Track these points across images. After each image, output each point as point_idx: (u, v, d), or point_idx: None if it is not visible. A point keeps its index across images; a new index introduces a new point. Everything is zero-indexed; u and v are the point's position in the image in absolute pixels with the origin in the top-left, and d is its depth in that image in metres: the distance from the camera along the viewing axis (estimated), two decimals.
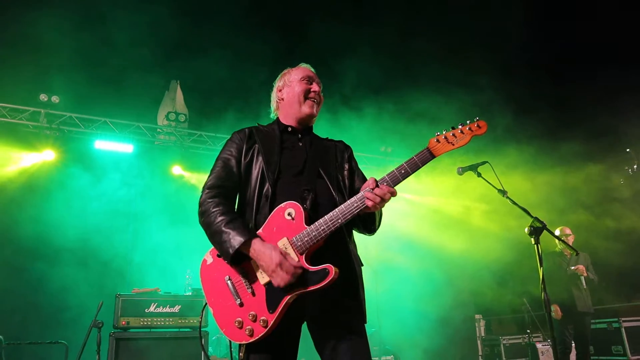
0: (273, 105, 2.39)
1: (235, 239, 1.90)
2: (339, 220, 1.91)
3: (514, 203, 3.38)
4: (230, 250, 1.90)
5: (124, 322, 5.02)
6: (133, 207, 8.12)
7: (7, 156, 7.57)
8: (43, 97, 7.67)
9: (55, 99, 7.73)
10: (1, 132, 7.59)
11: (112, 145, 8.22)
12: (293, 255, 1.89)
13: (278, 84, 2.37)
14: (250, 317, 1.89)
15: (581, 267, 6.01)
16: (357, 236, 2.27)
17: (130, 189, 8.13)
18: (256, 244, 1.90)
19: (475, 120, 2.01)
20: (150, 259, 7.25)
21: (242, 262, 1.96)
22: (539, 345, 6.72)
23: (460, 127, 2.00)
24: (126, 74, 7.56)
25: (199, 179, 8.39)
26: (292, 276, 1.84)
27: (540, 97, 9.63)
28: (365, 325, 2.05)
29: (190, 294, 5.65)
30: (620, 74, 8.37)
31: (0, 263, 6.87)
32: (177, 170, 8.61)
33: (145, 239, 7.62)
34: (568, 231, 6.31)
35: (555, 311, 5.91)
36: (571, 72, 9.30)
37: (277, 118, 2.34)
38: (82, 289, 6.53)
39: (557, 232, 6.18)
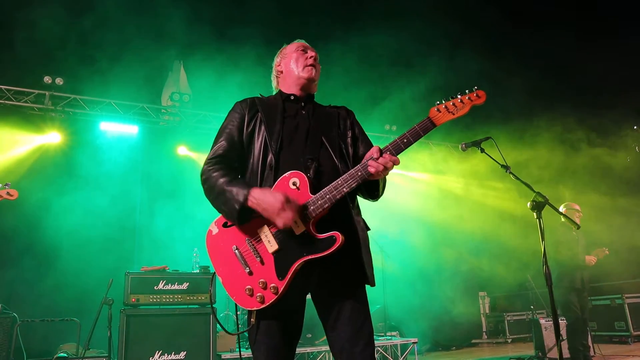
0: (273, 82, 2.42)
1: (239, 194, 1.93)
2: (344, 189, 1.94)
3: (517, 178, 3.39)
4: (237, 206, 1.93)
5: (133, 299, 5.13)
6: (139, 188, 8.20)
7: (14, 139, 7.64)
8: (47, 79, 7.70)
9: (59, 80, 7.76)
10: (7, 115, 7.64)
11: (117, 127, 8.28)
12: (300, 224, 1.92)
13: (276, 60, 2.41)
14: (261, 285, 1.93)
15: (594, 259, 5.91)
16: (366, 213, 2.29)
17: (136, 170, 8.20)
18: (255, 192, 1.92)
19: (474, 89, 2.03)
20: (157, 238, 7.35)
21: (247, 230, 2.00)
22: (542, 321, 6.79)
23: (459, 96, 2.02)
24: (130, 55, 7.54)
25: (205, 158, 8.42)
26: (295, 212, 1.88)
27: (545, 73, 9.55)
28: (372, 288, 2.09)
29: (197, 271, 5.76)
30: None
31: (12, 244, 7.01)
32: (182, 150, 8.68)
33: (152, 219, 7.71)
34: (577, 207, 6.17)
35: (590, 260, 5.86)
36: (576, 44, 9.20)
37: (279, 90, 2.36)
38: (92, 268, 6.65)
39: (561, 209, 6.13)
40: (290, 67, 2.30)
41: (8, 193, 4.44)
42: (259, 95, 2.33)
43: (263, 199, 1.89)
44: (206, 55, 7.79)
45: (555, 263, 5.93)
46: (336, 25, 8.89)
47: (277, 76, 2.39)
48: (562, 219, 6.05)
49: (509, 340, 9.55)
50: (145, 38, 7.57)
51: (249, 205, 1.92)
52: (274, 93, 2.40)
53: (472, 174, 9.75)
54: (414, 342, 6.44)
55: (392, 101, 9.00)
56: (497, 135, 3.47)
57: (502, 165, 3.43)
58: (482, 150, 3.48)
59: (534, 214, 3.26)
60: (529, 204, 3.29)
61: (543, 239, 3.20)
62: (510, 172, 3.38)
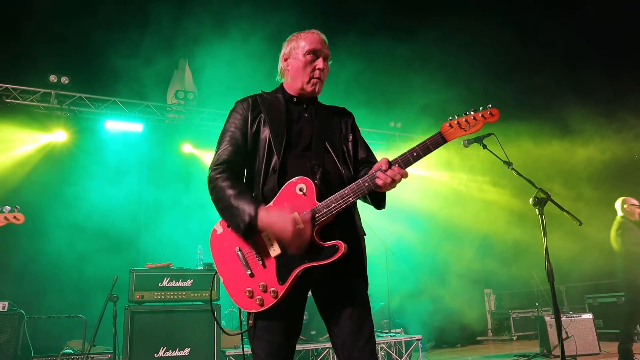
0: (279, 70, 2.34)
1: (245, 213, 1.92)
2: (350, 199, 1.95)
3: (519, 174, 3.39)
4: (242, 225, 1.92)
5: (138, 296, 5.16)
6: (144, 185, 8.25)
7: (20, 137, 7.71)
8: (53, 78, 7.76)
9: (64, 79, 7.81)
10: (13, 114, 7.71)
11: (122, 125, 8.33)
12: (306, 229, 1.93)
13: (284, 50, 2.30)
14: (261, 288, 1.94)
15: None
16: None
17: (141, 167, 8.25)
18: (262, 214, 1.91)
19: (488, 107, 2.03)
20: (162, 235, 7.40)
21: (253, 234, 2.00)
22: (547, 319, 6.77)
23: (472, 113, 2.02)
24: (134, 53, 7.58)
25: (209, 156, 8.47)
26: (305, 243, 1.89)
27: (547, 66, 9.51)
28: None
29: (201, 268, 5.78)
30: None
31: (18, 242, 7.07)
32: (187, 148, 8.72)
33: (157, 216, 7.76)
34: (635, 202, 5.87)
35: None
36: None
37: (282, 85, 2.32)
38: (97, 265, 6.71)
39: (617, 204, 5.97)
40: (296, 73, 2.22)
41: (15, 217, 4.47)
42: (261, 92, 2.30)
43: (273, 222, 1.88)
44: (211, 54, 7.81)
45: (627, 261, 5.64)
46: (343, 24, 8.88)
47: (282, 69, 2.31)
48: (620, 217, 5.84)
49: (514, 338, 9.53)
50: (149, 36, 7.61)
51: (257, 226, 1.91)
52: (277, 79, 2.35)
53: (477, 170, 9.72)
54: (418, 339, 6.43)
55: (398, 99, 8.99)
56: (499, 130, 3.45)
57: (505, 162, 3.42)
58: (485, 147, 3.47)
59: (536, 210, 3.25)
60: (531, 200, 3.29)
61: (545, 235, 3.19)
62: (513, 168, 3.38)
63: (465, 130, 2.01)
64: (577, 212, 3.50)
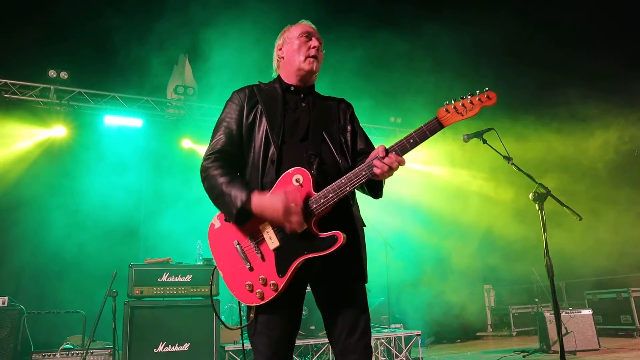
0: (274, 64, 2.36)
1: (237, 199, 1.91)
2: (347, 188, 1.93)
3: (519, 169, 3.38)
4: (234, 210, 1.92)
5: (137, 291, 5.16)
6: (144, 181, 8.24)
7: (20, 132, 7.70)
8: (52, 73, 7.74)
9: (64, 74, 7.79)
10: (13, 109, 7.70)
11: (122, 120, 8.31)
12: (302, 222, 1.91)
13: (278, 42, 2.33)
14: (261, 281, 1.93)
15: None
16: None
17: (140, 163, 8.24)
18: (254, 199, 1.91)
19: (485, 90, 1.97)
20: (161, 230, 7.40)
21: (248, 226, 1.99)
22: (547, 314, 6.78)
23: (469, 97, 1.97)
24: (134, 48, 7.56)
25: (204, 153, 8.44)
26: (301, 216, 1.87)
27: (553, 58, 9.46)
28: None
29: (201, 263, 5.78)
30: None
31: (18, 237, 7.08)
32: (187, 143, 8.71)
33: (156, 211, 7.76)
34: None
35: None
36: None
37: (279, 76, 2.31)
38: (96, 260, 6.71)
39: None
40: (292, 55, 2.22)
41: None
42: (258, 83, 2.29)
43: (265, 206, 1.88)
44: (211, 48, 7.79)
45: None
46: (345, 13, 8.85)
47: (278, 60, 2.32)
48: None
49: (514, 334, 9.55)
50: (149, 31, 7.58)
51: (252, 212, 1.91)
52: (273, 75, 2.35)
53: (479, 166, 9.70)
54: (417, 335, 6.43)
55: (398, 93, 8.96)
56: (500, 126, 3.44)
57: (504, 157, 3.41)
58: (485, 142, 3.46)
59: (536, 205, 3.24)
60: (530, 195, 3.28)
61: (545, 230, 3.19)
62: (513, 163, 3.37)
63: (463, 115, 1.96)
64: (579, 208, 3.49)
